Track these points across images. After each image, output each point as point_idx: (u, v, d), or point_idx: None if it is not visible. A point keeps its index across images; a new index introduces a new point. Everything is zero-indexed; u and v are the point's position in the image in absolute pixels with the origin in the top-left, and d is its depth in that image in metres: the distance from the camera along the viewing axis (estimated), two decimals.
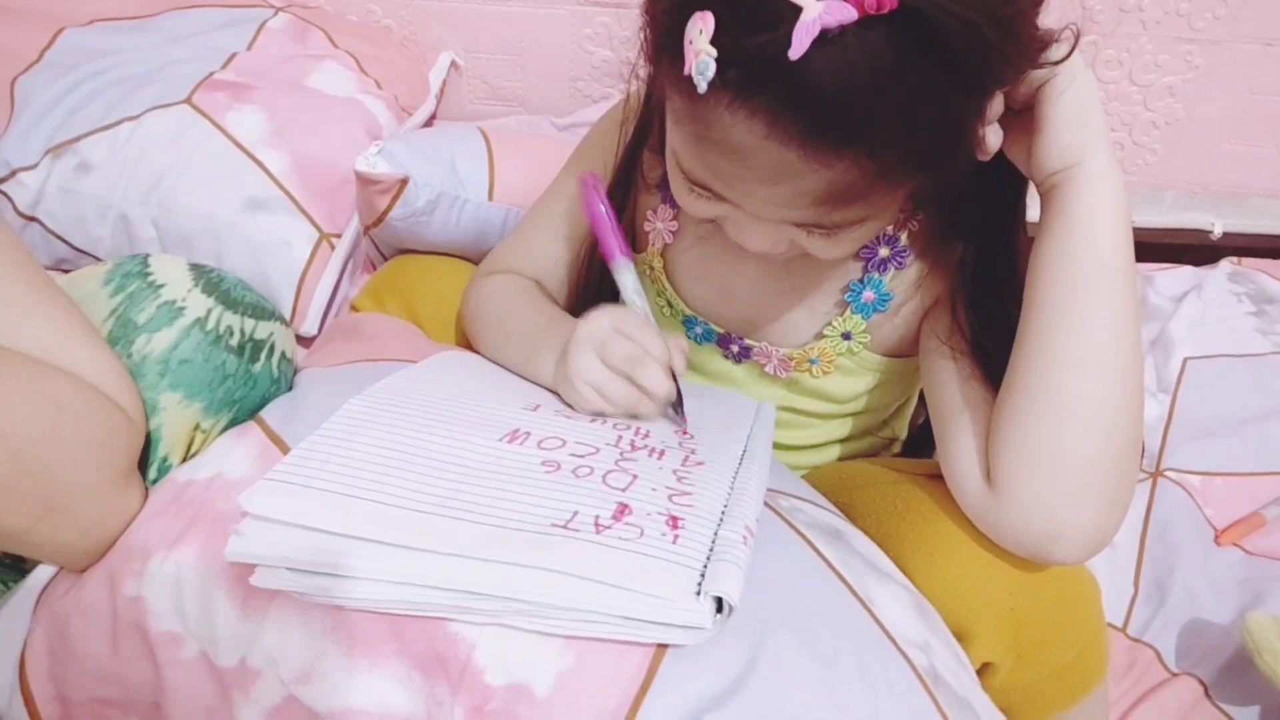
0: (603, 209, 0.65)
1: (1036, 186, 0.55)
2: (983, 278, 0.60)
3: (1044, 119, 0.51)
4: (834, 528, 0.58)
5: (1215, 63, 1.16)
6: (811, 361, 0.70)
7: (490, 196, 0.92)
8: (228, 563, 0.44)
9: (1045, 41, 0.48)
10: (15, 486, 0.43)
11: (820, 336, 0.69)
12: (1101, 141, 0.51)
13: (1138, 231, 1.27)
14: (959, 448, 0.58)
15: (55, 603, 0.49)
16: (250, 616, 0.45)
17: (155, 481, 0.52)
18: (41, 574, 0.50)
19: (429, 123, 1.20)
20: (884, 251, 0.64)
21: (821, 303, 0.68)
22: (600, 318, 0.61)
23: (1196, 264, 1.22)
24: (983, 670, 0.59)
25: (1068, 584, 0.58)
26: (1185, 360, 1.04)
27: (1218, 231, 1.28)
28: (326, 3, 1.19)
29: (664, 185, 0.71)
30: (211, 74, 0.95)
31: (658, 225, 0.71)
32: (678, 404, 0.62)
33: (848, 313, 0.67)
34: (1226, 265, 1.20)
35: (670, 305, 0.73)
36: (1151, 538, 0.88)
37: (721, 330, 0.72)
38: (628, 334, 0.60)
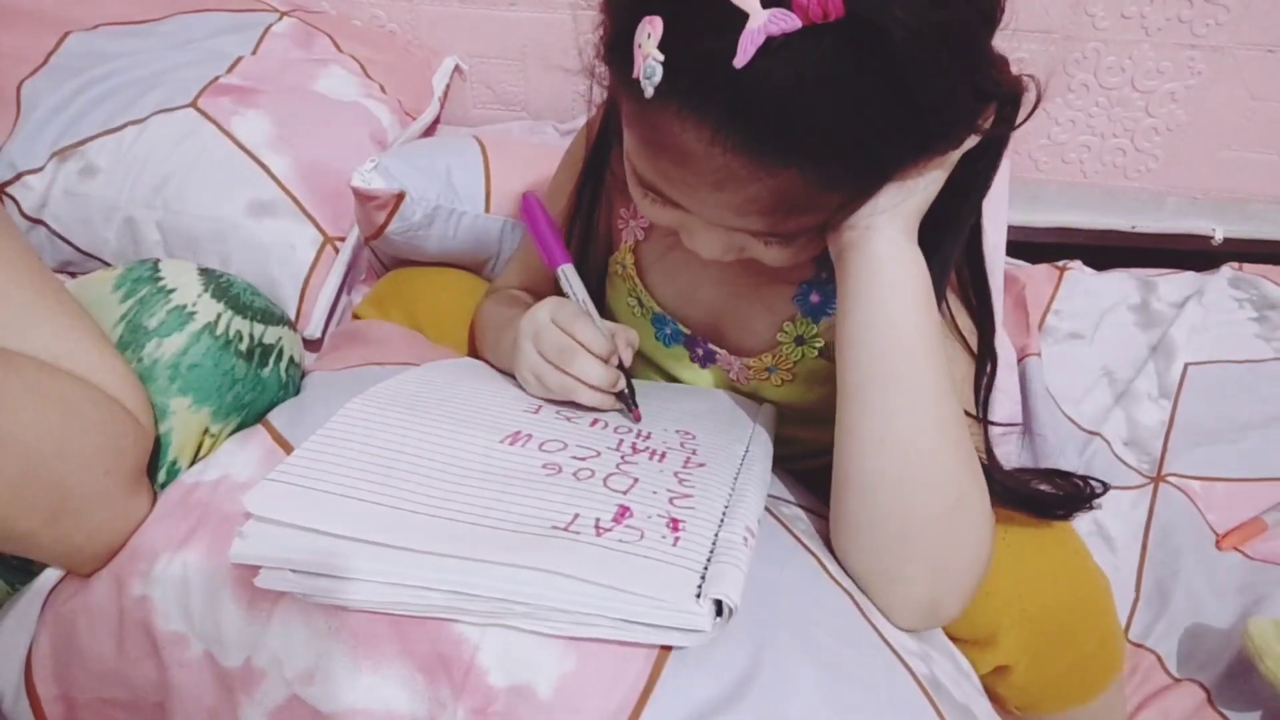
0: (542, 224, 0.67)
1: (830, 244, 0.53)
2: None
3: None
4: None
5: (1217, 69, 1.17)
6: (769, 370, 0.68)
7: (487, 208, 0.92)
8: (233, 564, 0.45)
9: (1001, 81, 0.46)
10: (24, 489, 0.43)
11: (776, 344, 0.67)
12: (899, 218, 0.50)
13: (1141, 236, 1.28)
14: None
15: (62, 604, 0.49)
16: (256, 617, 0.45)
17: (164, 485, 0.53)
18: (49, 576, 0.50)
19: (432, 127, 1.21)
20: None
21: (775, 306, 0.67)
22: (540, 310, 0.62)
23: (1198, 270, 1.21)
24: (1001, 671, 0.60)
25: (1077, 580, 0.59)
26: (1186, 366, 1.04)
27: (1219, 237, 1.28)
28: (331, 7, 1.20)
29: None
30: (217, 78, 0.95)
31: (630, 223, 0.71)
32: (627, 393, 0.62)
33: (799, 316, 0.66)
34: (1228, 271, 1.19)
35: (640, 303, 0.73)
36: (1153, 543, 0.87)
37: (688, 331, 0.72)
38: (562, 325, 0.61)
